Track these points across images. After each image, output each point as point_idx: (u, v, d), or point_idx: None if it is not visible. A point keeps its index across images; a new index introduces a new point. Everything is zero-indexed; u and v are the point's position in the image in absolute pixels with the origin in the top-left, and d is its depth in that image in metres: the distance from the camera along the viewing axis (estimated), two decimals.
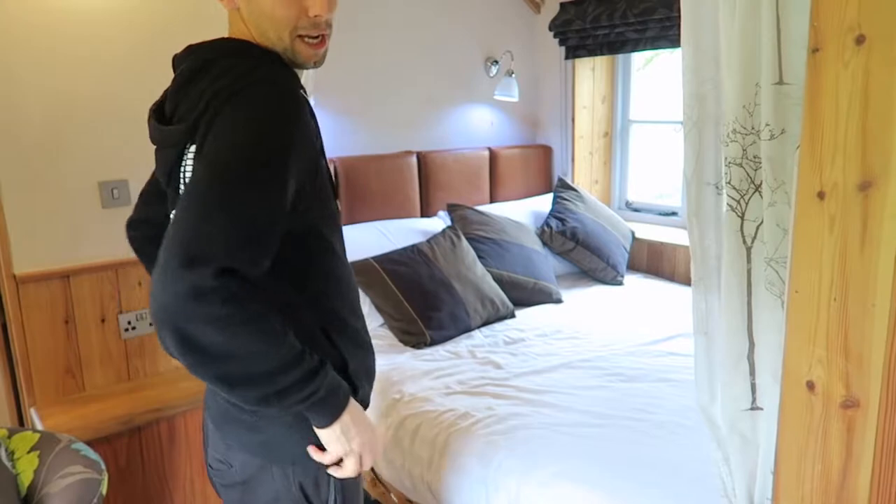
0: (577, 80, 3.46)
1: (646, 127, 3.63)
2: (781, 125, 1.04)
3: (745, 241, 1.13)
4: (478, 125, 3.45)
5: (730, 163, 1.12)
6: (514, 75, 3.35)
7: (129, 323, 2.52)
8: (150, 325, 2.57)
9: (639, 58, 3.56)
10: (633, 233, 3.25)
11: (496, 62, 3.42)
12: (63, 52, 2.25)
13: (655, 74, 3.56)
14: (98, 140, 2.36)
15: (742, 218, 1.12)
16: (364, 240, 2.71)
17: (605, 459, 1.59)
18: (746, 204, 1.11)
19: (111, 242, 2.43)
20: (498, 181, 3.41)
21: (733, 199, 1.12)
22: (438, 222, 3.06)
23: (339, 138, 2.97)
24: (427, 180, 3.15)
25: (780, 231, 1.06)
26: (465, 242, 2.66)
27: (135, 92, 2.41)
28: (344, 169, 2.88)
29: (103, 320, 2.45)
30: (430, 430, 1.81)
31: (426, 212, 3.16)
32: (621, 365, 2.12)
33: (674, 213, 3.46)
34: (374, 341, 1.26)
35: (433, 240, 2.65)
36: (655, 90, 3.59)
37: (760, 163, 1.09)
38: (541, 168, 3.61)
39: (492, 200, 3.40)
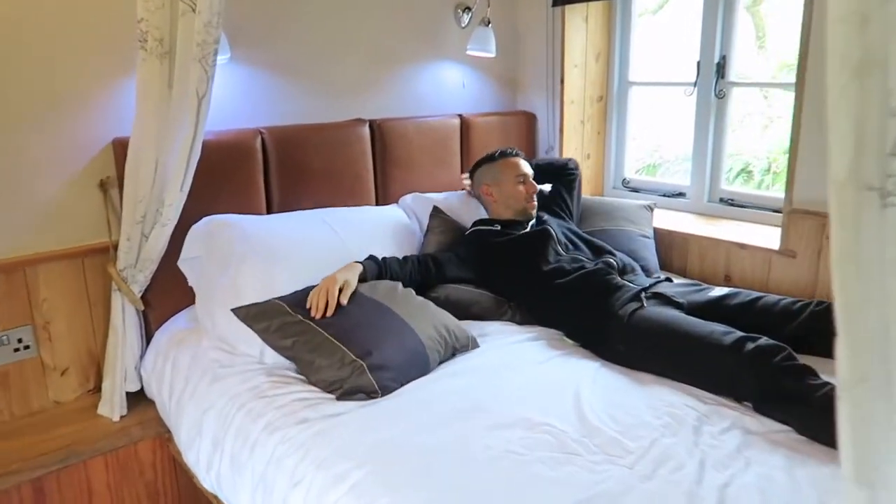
0: (567, 32, 2.84)
1: (647, 90, 3.04)
2: None
3: None
4: (446, 87, 2.82)
5: None
6: (490, 25, 2.72)
7: None
8: (16, 350, 1.96)
9: (644, 3, 2.95)
10: (650, 207, 2.68)
11: (468, 9, 2.78)
12: None
13: (660, 25, 2.96)
14: None
15: None
16: (305, 234, 2.09)
17: None
18: None
19: None
20: (472, 156, 2.80)
21: None
22: (398, 213, 2.45)
23: (265, 102, 2.33)
24: (383, 156, 2.53)
25: None
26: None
27: None
28: (274, 142, 2.25)
29: None
30: None
31: (383, 196, 2.55)
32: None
33: (681, 195, 2.90)
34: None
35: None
36: (659, 45, 2.99)
37: None
38: (522, 139, 3.01)
39: None
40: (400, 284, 1.92)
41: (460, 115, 2.79)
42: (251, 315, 1.78)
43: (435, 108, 2.78)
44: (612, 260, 2.15)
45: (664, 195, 2.94)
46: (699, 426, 1.47)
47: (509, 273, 2.18)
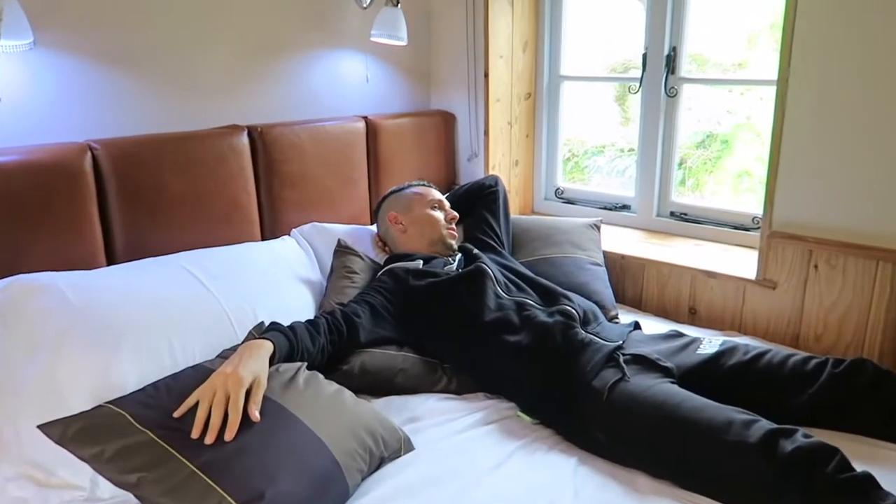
0: (491, 16, 2.36)
1: (581, 85, 2.62)
2: None
3: None
4: (346, 83, 2.27)
5: None
6: (399, 6, 2.19)
7: None
8: None
9: None
10: (597, 225, 2.26)
11: None
12: None
13: (596, 10, 2.53)
14: None
15: None
16: (160, 294, 1.50)
17: None
18: None
19: None
20: (381, 169, 2.27)
21: None
22: (292, 248, 1.88)
23: (96, 106, 1.70)
24: (269, 173, 1.95)
25: None
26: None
27: None
28: (112, 160, 1.63)
29: None
30: None
31: (270, 227, 1.98)
32: None
33: (625, 207, 2.50)
34: None
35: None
36: (592, 34, 2.58)
37: None
38: (441, 144, 2.51)
39: (372, 202, 2.26)
40: (304, 367, 1.37)
41: (365, 118, 2.25)
42: (73, 434, 1.18)
43: (333, 110, 2.22)
44: (569, 307, 1.68)
45: (605, 208, 2.54)
46: None
47: (439, 327, 1.68)
